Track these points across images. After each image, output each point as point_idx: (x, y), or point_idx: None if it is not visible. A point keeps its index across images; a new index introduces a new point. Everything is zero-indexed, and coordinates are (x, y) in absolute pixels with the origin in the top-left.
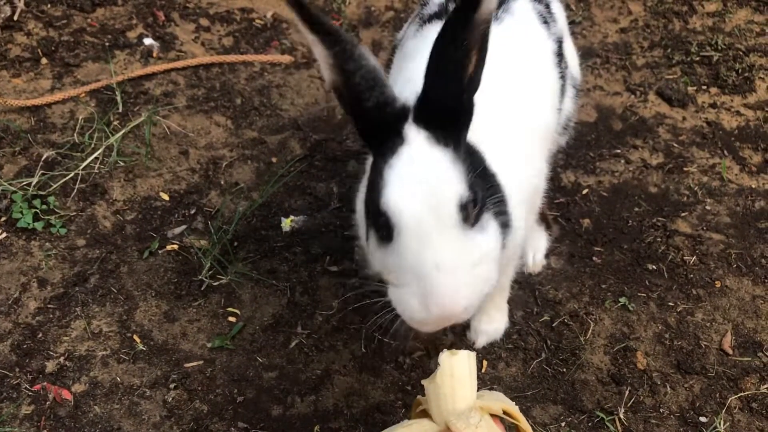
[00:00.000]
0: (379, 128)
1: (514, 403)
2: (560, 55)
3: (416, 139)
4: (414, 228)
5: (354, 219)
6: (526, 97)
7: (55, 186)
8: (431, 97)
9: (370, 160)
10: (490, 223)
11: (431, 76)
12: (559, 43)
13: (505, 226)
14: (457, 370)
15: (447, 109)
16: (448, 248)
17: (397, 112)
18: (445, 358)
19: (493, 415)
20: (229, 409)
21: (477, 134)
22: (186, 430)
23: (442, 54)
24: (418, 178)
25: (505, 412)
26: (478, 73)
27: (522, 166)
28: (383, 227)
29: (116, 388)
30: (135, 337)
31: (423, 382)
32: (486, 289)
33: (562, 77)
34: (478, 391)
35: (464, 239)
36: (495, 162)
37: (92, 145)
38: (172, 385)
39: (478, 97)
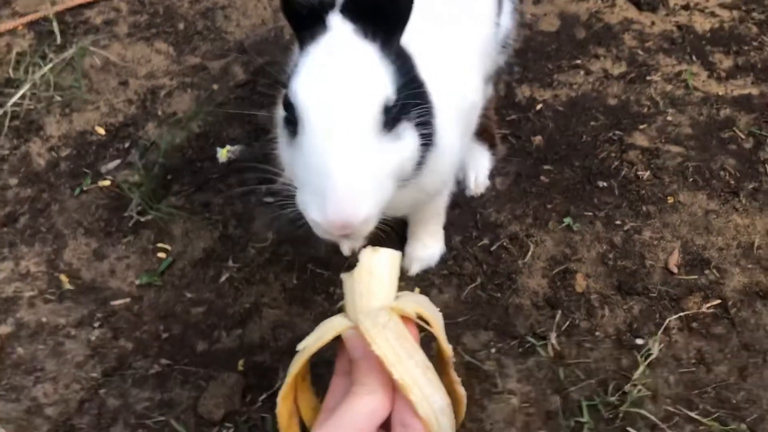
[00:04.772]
0: (300, 13)
1: (438, 310)
2: None
3: (340, 29)
4: (321, 122)
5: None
6: (459, 5)
7: None
8: None
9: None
10: (407, 132)
11: None
12: None
13: (427, 139)
14: (375, 267)
15: (379, 3)
16: (357, 149)
17: (323, 1)
18: (366, 254)
19: (408, 318)
20: (153, 346)
21: (408, 39)
22: (108, 368)
23: None
24: (335, 68)
25: (420, 317)
26: None
27: (457, 79)
28: (291, 120)
29: (41, 328)
30: (62, 276)
31: (342, 275)
32: (385, 200)
33: None
34: (403, 292)
35: (376, 143)
36: (426, 70)
37: (27, 80)
38: (96, 324)
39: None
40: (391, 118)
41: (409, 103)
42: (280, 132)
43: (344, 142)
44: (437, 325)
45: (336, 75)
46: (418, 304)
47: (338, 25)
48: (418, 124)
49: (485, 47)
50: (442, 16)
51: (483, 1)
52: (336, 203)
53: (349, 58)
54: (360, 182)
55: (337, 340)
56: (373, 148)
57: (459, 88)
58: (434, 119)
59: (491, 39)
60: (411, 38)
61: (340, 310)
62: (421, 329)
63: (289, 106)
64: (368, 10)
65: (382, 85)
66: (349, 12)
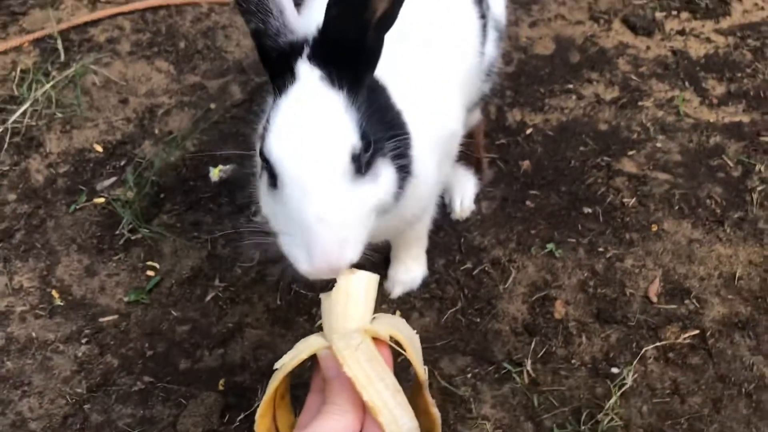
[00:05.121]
0: (271, 60)
1: (415, 333)
2: None
3: (308, 78)
4: (296, 178)
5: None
6: (439, 35)
7: None
8: (330, 30)
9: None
10: (383, 170)
11: (332, 6)
12: None
13: (404, 171)
14: (353, 289)
15: (346, 47)
16: (333, 200)
17: (291, 45)
18: (344, 275)
19: (383, 341)
20: (138, 363)
21: (384, 69)
22: (93, 384)
23: None
24: (304, 122)
25: (394, 340)
26: (394, 10)
27: (435, 108)
28: (269, 173)
29: (31, 343)
30: (54, 292)
31: (321, 295)
32: (366, 237)
33: (483, 17)
34: (380, 314)
35: (351, 190)
36: (403, 98)
37: (29, 98)
38: (84, 340)
39: (390, 32)
40: (364, 162)
41: (382, 139)
42: (260, 179)
43: (320, 195)
44: (411, 348)
45: (304, 131)
46: (394, 327)
47: (306, 72)
48: (394, 157)
49: (467, 75)
50: (420, 42)
51: (465, 30)
52: (321, 254)
53: (315, 111)
54: (341, 231)
55: (316, 359)
56: (350, 195)
57: (437, 117)
58: (411, 149)
59: (474, 67)
60: (387, 65)
61: (320, 329)
62: (398, 353)
63: (266, 160)
64: (335, 56)
65: (348, 135)
66: (316, 57)
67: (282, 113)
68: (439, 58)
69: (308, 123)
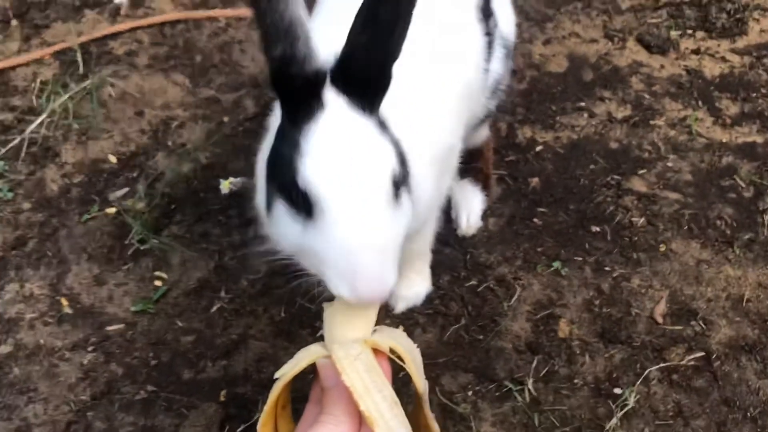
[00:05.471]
0: (292, 86)
1: (415, 346)
2: (487, 10)
3: (336, 105)
4: (342, 207)
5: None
6: (438, 51)
7: (5, 150)
8: (356, 56)
9: (275, 117)
10: (405, 198)
11: (359, 34)
12: None
13: (408, 191)
14: None
15: (372, 73)
16: (379, 227)
17: (317, 72)
18: None
19: (383, 353)
20: (142, 372)
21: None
22: (97, 392)
23: (376, 10)
24: (344, 150)
25: (393, 353)
26: (403, 40)
27: (432, 123)
28: (301, 204)
29: (38, 350)
30: (63, 300)
31: (324, 304)
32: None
33: (488, 34)
34: (381, 327)
35: (391, 217)
36: (398, 118)
37: (48, 108)
38: (90, 348)
39: None
40: (400, 187)
41: (406, 168)
42: (271, 205)
43: (367, 222)
44: (411, 361)
45: (347, 158)
46: (395, 339)
47: (333, 99)
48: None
49: (469, 91)
50: (418, 56)
51: (466, 45)
52: (367, 283)
53: (355, 138)
54: (386, 259)
55: (317, 369)
56: (390, 222)
57: (434, 131)
58: (407, 166)
59: (477, 83)
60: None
61: (322, 339)
62: (401, 368)
63: (297, 190)
64: (360, 81)
65: (390, 159)
66: (339, 83)
67: (317, 141)
68: (437, 72)
69: (350, 150)
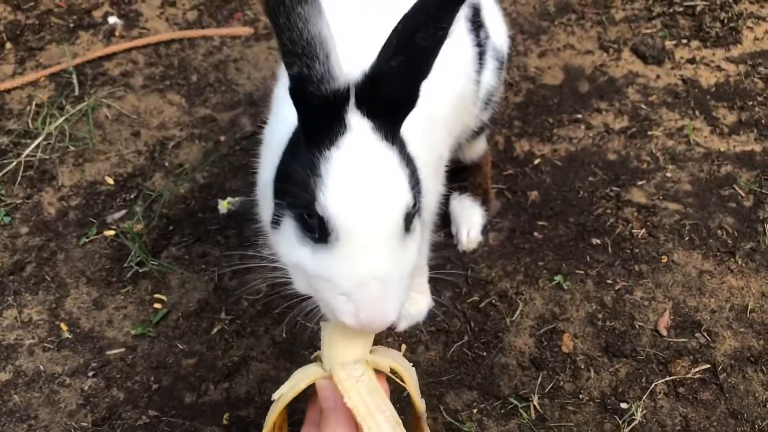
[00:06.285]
0: (310, 105)
1: (411, 365)
2: (477, 22)
3: (360, 129)
4: (357, 236)
5: (256, 197)
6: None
7: (1, 174)
8: (385, 82)
9: (277, 107)
10: (416, 226)
11: (390, 58)
12: (476, 9)
13: (419, 212)
14: None
15: (399, 98)
16: (388, 259)
17: (335, 93)
18: None
19: (380, 372)
20: (144, 397)
21: None
22: (98, 418)
23: (411, 37)
24: (366, 179)
25: (393, 372)
26: (434, 61)
27: (427, 134)
28: (313, 228)
29: (38, 376)
30: (62, 325)
31: (321, 323)
32: (407, 295)
33: (479, 45)
34: (377, 347)
35: (401, 248)
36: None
37: (44, 131)
38: (91, 373)
39: None
40: (410, 219)
41: (418, 195)
42: (278, 222)
43: (378, 254)
44: (410, 381)
45: (370, 188)
46: (393, 359)
47: (357, 123)
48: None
49: (459, 102)
50: None
51: (454, 56)
52: (370, 311)
53: (376, 167)
54: (392, 290)
55: (312, 390)
56: (400, 254)
57: (430, 143)
58: (420, 184)
59: (468, 95)
60: None
61: (318, 359)
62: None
63: (314, 215)
64: (385, 107)
65: (405, 192)
66: (364, 107)
67: (340, 169)
68: (428, 82)
69: (371, 179)
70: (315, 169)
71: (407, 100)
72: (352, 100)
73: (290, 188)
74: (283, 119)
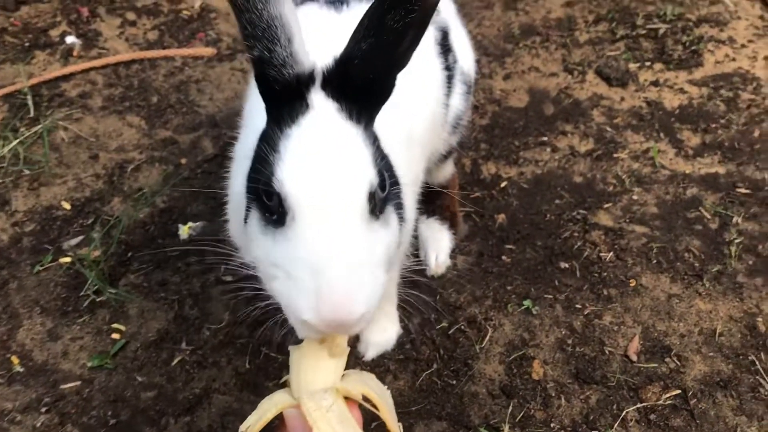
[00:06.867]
0: (273, 90)
1: (386, 388)
2: (446, 46)
3: (324, 109)
4: (313, 213)
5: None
6: (402, 83)
7: None
8: (354, 64)
9: (248, 121)
10: (392, 217)
11: (360, 40)
12: (444, 33)
13: (401, 220)
14: (325, 344)
15: (368, 82)
16: (351, 241)
17: (298, 77)
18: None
19: (352, 400)
20: None
21: None
22: None
23: (381, 20)
24: (324, 154)
25: (365, 399)
26: (411, 50)
27: (407, 151)
28: (273, 209)
29: None
30: (13, 358)
31: (290, 347)
32: (381, 294)
33: (448, 69)
34: (350, 371)
35: (369, 233)
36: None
37: None
38: (43, 409)
39: None
40: (379, 203)
41: (391, 184)
42: (247, 214)
43: (336, 233)
44: (384, 407)
45: (324, 163)
46: (365, 384)
47: (321, 103)
48: (396, 204)
49: (429, 125)
50: None
51: (424, 79)
52: (332, 301)
53: (335, 143)
54: (354, 275)
55: (281, 417)
56: (365, 237)
57: (409, 161)
58: (402, 198)
59: (437, 118)
60: None
61: (286, 383)
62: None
63: (271, 195)
64: (354, 90)
65: (367, 170)
66: (331, 89)
67: (297, 144)
68: (402, 105)
69: (328, 155)
70: (275, 146)
71: (379, 87)
72: (318, 81)
73: (256, 174)
74: (255, 131)
